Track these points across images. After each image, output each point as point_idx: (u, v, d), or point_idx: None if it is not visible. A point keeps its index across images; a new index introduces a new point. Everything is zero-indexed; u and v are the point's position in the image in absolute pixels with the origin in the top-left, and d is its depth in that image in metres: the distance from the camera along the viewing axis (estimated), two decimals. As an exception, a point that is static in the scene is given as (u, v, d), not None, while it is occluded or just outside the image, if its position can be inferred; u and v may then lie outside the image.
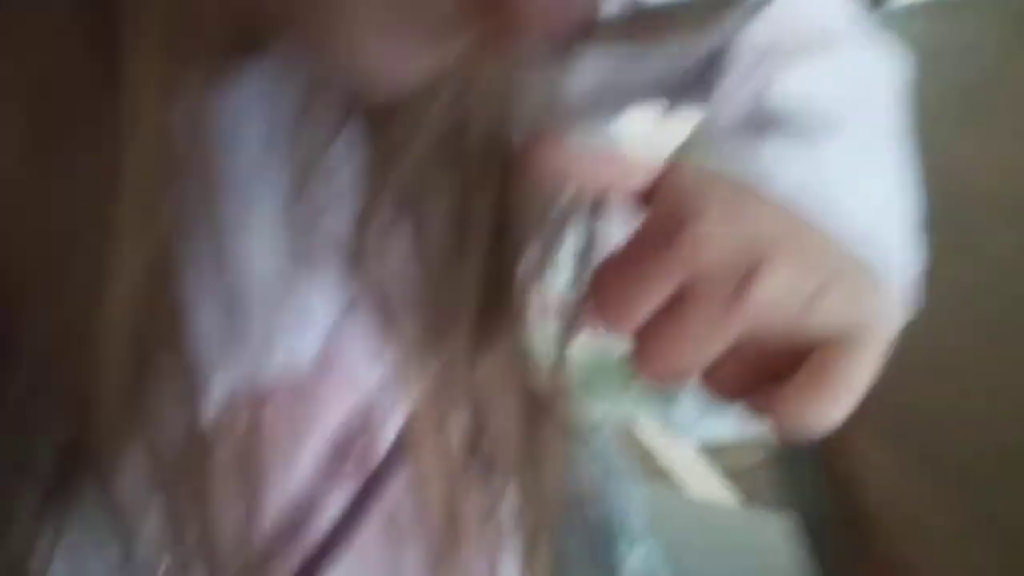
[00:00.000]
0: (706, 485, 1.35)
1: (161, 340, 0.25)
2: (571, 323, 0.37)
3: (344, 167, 0.30)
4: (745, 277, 0.29)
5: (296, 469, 0.35)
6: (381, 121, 0.29)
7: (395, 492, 0.39)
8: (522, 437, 0.39)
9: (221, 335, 0.29)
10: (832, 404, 0.29)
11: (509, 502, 0.41)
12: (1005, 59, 0.52)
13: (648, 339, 0.31)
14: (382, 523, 0.39)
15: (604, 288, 0.32)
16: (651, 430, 1.46)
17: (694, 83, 0.46)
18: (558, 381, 0.39)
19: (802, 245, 0.30)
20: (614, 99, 0.45)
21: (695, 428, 1.08)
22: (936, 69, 0.52)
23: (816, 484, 0.29)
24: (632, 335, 0.32)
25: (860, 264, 0.31)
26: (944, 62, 0.52)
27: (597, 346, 0.95)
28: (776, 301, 0.29)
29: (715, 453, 1.41)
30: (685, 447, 1.43)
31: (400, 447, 0.38)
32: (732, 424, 1.11)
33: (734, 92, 0.38)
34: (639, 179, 0.31)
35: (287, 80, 0.29)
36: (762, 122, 0.36)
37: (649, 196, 0.31)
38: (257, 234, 0.30)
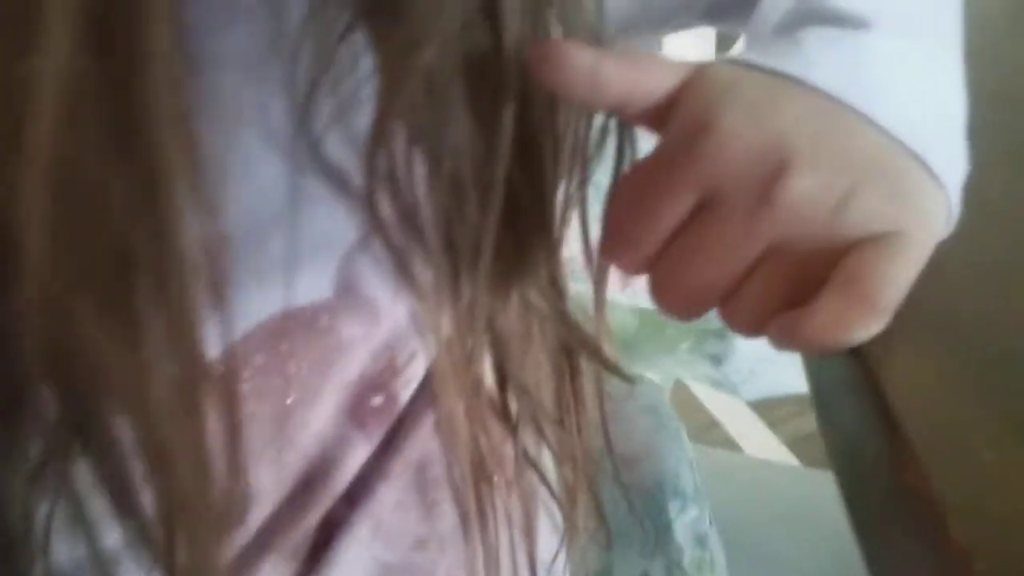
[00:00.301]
0: (765, 449, 1.31)
1: (153, 264, 0.23)
2: (603, 267, 0.35)
3: (352, 76, 0.28)
4: (770, 180, 0.26)
5: (318, 410, 0.34)
6: (390, 23, 0.26)
7: (422, 441, 0.37)
8: (554, 387, 0.37)
9: (223, 261, 0.27)
10: (867, 313, 0.26)
11: (544, 456, 0.39)
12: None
13: (667, 262, 0.28)
14: (411, 475, 0.37)
15: (619, 209, 0.29)
16: (708, 392, 1.43)
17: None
18: (595, 332, 0.36)
19: (833, 143, 0.27)
20: (653, 17, 0.42)
21: (746, 386, 1.05)
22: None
23: (853, 410, 0.26)
24: (651, 267, 0.29)
25: (900, 162, 0.28)
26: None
27: (642, 308, 0.93)
28: (805, 204, 0.27)
29: (775, 420, 1.38)
30: (744, 411, 1.39)
31: (425, 392, 0.36)
32: (783, 381, 1.07)
33: None
34: (663, 82, 0.29)
35: None
36: (803, 17, 0.33)
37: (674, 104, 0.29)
38: (260, 152, 0.29)
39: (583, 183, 0.33)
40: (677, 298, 0.29)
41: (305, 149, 0.28)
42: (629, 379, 0.38)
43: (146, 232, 0.22)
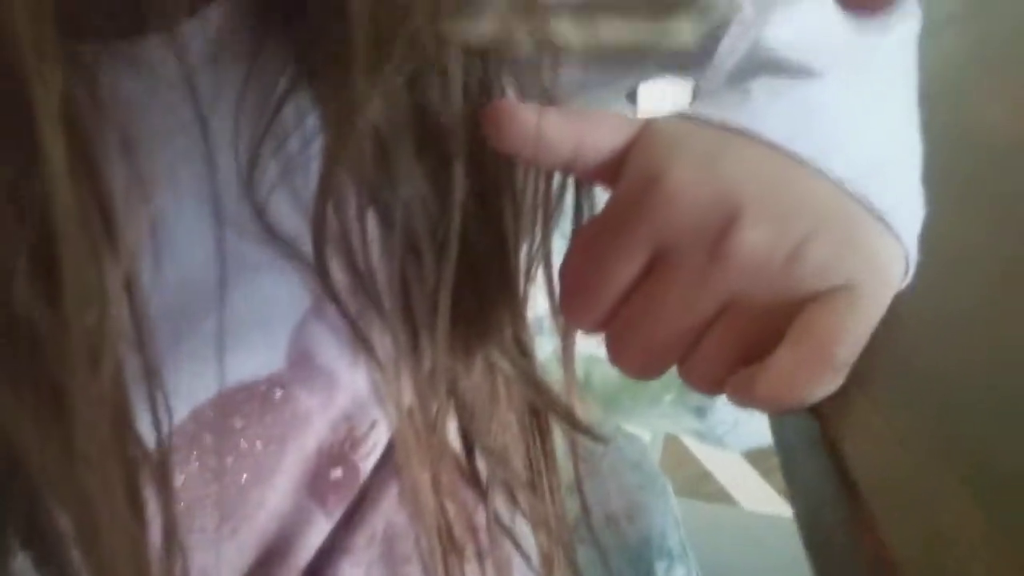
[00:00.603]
0: (759, 498, 1.29)
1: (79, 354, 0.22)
2: (568, 329, 0.34)
3: (297, 134, 0.27)
4: (720, 233, 0.26)
5: (276, 486, 0.32)
6: (332, 81, 0.26)
7: (387, 513, 0.36)
8: (523, 450, 0.36)
9: (167, 330, 0.26)
10: (822, 370, 0.25)
11: (519, 523, 0.38)
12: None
13: (622, 320, 0.28)
14: (377, 549, 0.36)
15: (572, 268, 0.28)
16: (704, 446, 1.41)
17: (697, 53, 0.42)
18: (565, 391, 0.35)
19: (783, 195, 0.27)
20: (609, 71, 0.42)
21: (730, 437, 1.03)
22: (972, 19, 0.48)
23: (814, 469, 0.25)
24: (607, 328, 0.28)
25: (852, 212, 0.27)
26: (980, 13, 0.48)
27: None
28: (756, 256, 0.26)
29: (768, 469, 1.36)
30: (737, 461, 1.38)
31: (388, 461, 0.35)
32: (767, 432, 1.06)
33: (734, 47, 0.35)
34: (611, 138, 0.28)
35: (233, 38, 0.26)
36: (754, 67, 0.32)
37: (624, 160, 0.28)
38: (202, 224, 0.28)
39: (546, 239, 0.32)
40: (634, 356, 0.28)
41: (249, 215, 0.28)
42: (602, 439, 0.37)
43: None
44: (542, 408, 0.36)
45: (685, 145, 0.27)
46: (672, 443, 1.44)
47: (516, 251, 0.32)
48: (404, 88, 0.26)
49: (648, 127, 0.28)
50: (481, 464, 0.36)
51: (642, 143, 0.28)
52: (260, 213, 0.28)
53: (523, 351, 0.34)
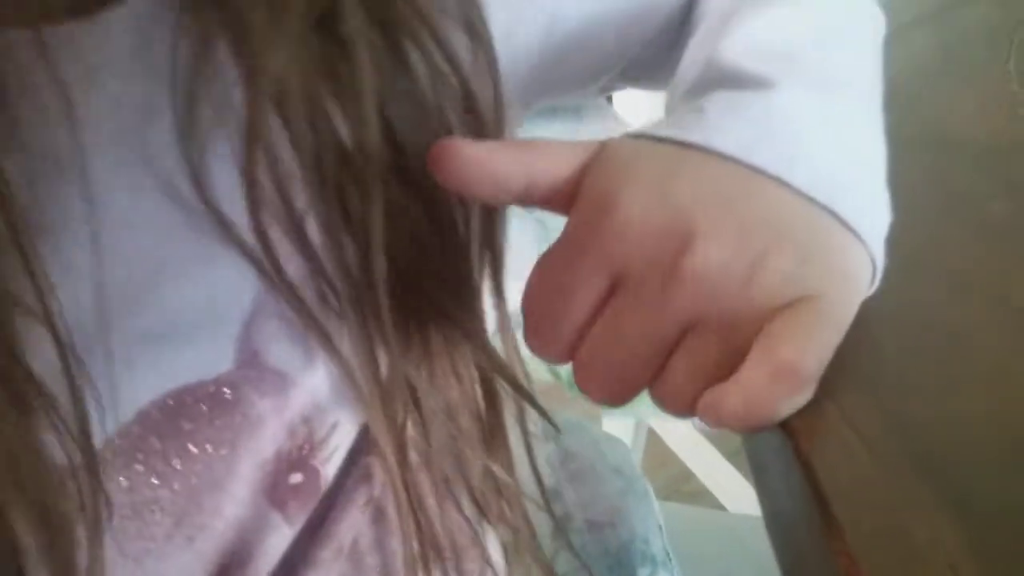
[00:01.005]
0: (741, 499, 1.30)
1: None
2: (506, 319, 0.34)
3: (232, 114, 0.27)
4: (676, 255, 0.25)
5: (233, 492, 0.32)
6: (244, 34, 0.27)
7: (354, 524, 0.35)
8: (481, 456, 0.36)
9: (101, 326, 0.26)
10: (789, 385, 0.25)
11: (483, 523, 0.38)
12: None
13: (587, 348, 0.27)
14: (344, 562, 0.35)
15: (533, 298, 0.28)
16: (682, 443, 1.42)
17: (658, 58, 0.42)
18: (521, 392, 0.35)
19: (740, 210, 0.26)
20: (568, 81, 0.42)
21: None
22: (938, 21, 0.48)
23: (785, 480, 0.25)
24: (573, 357, 0.28)
25: (814, 220, 0.27)
26: (946, 15, 0.49)
27: None
28: (714, 274, 0.25)
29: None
30: (719, 461, 1.38)
31: (354, 468, 0.35)
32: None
33: (693, 60, 0.34)
34: (563, 165, 0.28)
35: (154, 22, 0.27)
36: (710, 81, 0.32)
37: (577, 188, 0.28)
38: (137, 208, 0.28)
39: (495, 233, 0.32)
40: (602, 384, 0.28)
41: (190, 205, 0.28)
42: (555, 425, 0.36)
43: None
44: (495, 386, 0.36)
45: (637, 168, 0.27)
46: (654, 443, 1.44)
47: (467, 251, 0.32)
48: (313, 36, 0.27)
49: (600, 151, 0.28)
50: (444, 471, 0.36)
51: (595, 169, 0.28)
52: (199, 187, 0.28)
53: (488, 353, 0.34)
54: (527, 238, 0.36)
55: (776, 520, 0.27)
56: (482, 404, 0.36)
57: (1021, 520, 0.21)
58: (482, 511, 0.37)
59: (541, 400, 0.36)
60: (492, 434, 0.36)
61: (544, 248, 0.28)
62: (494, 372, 0.35)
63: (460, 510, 0.36)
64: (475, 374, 0.35)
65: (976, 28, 0.50)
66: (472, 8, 0.31)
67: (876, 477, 0.22)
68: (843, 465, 0.23)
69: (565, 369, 0.95)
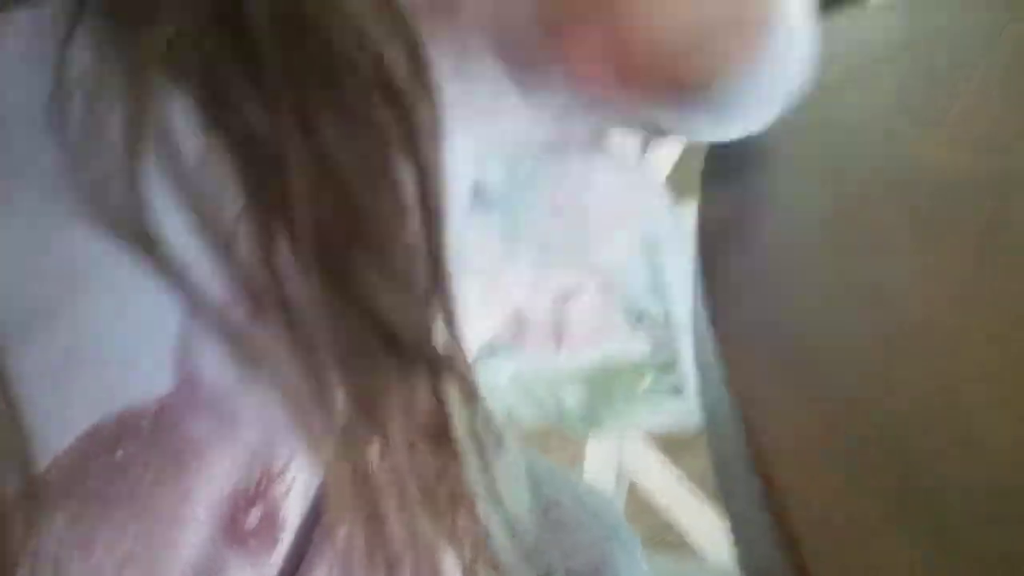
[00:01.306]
0: (724, 549, 1.28)
1: None
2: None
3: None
4: None
5: (187, 532, 0.30)
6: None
7: (324, 561, 0.34)
8: (447, 498, 0.35)
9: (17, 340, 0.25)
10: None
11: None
12: (979, 49, 0.49)
13: None
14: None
15: None
16: (663, 492, 1.40)
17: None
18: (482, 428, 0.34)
19: None
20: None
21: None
22: (909, 59, 0.49)
23: (749, 493, 0.24)
24: None
25: None
26: (916, 52, 0.50)
27: (586, 370, 0.91)
28: None
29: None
30: (702, 510, 1.36)
31: (318, 506, 0.33)
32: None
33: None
34: None
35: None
36: None
37: None
38: (55, 209, 0.26)
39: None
40: None
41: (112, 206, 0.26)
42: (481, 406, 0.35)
43: None
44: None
45: None
46: (634, 493, 1.42)
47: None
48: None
49: None
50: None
51: None
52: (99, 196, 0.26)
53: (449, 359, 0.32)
54: (493, 232, 0.34)
55: (741, 535, 0.27)
56: (438, 440, 0.34)
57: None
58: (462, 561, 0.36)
59: (525, 443, 0.35)
60: (448, 474, 0.35)
61: (513, 244, 0.27)
62: (454, 390, 0.33)
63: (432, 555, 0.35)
64: (431, 400, 0.33)
65: (938, 63, 0.51)
66: None
67: (831, 489, 0.22)
68: (798, 478, 0.22)
69: (552, 396, 0.94)
